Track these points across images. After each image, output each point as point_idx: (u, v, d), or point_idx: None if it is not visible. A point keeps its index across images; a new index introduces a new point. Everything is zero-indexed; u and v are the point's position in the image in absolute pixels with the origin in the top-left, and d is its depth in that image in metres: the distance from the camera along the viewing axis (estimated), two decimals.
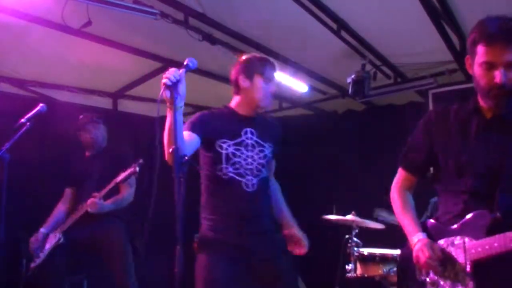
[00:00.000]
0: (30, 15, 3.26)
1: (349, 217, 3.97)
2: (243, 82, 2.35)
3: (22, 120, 3.00)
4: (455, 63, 4.21)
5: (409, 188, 2.06)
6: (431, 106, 4.70)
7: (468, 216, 1.77)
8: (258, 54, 2.51)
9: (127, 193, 3.44)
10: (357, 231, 3.99)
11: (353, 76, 4.27)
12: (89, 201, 3.22)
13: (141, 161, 3.13)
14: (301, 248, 2.31)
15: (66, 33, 3.45)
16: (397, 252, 3.76)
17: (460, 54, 3.95)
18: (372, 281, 3.66)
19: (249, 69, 2.36)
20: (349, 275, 3.87)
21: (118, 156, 3.50)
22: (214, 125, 2.29)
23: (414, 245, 1.85)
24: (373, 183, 4.91)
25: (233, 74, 2.41)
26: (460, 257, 1.75)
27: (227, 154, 2.25)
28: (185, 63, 1.97)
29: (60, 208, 3.61)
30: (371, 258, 3.78)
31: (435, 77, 4.52)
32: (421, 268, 1.84)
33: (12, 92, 4.53)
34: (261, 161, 2.32)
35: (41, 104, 3.08)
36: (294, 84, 4.62)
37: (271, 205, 2.44)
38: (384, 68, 4.52)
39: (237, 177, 2.25)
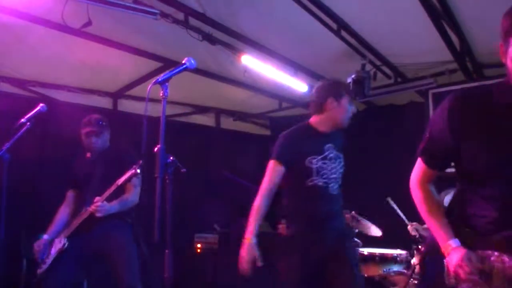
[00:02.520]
0: (30, 15, 3.26)
1: (349, 217, 3.96)
2: (331, 104, 2.66)
3: (22, 120, 3.00)
4: (455, 63, 4.21)
5: (430, 181, 1.85)
6: (431, 106, 4.70)
7: (509, 229, 1.55)
8: (336, 79, 2.84)
9: (132, 193, 3.39)
10: (357, 231, 3.99)
11: (353, 76, 4.26)
12: (93, 206, 3.18)
13: (141, 162, 3.08)
14: None
15: (66, 33, 3.45)
16: (397, 252, 3.77)
17: (460, 54, 3.95)
18: (372, 281, 3.66)
19: (338, 91, 2.67)
20: None
21: (119, 159, 3.45)
22: (300, 146, 2.64)
23: (448, 253, 1.65)
24: (373, 183, 4.92)
25: (318, 96, 2.70)
26: (496, 277, 1.54)
27: (317, 168, 2.61)
28: (183, 62, 2.00)
29: (63, 212, 3.53)
30: (371, 258, 3.77)
31: (435, 77, 4.52)
32: (451, 273, 1.65)
33: (12, 92, 4.53)
34: (341, 170, 2.76)
35: (41, 104, 3.07)
36: (294, 84, 4.61)
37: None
38: (384, 68, 4.52)
39: (324, 185, 2.64)
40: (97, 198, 3.18)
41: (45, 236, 3.39)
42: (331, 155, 2.70)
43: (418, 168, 1.85)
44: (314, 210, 2.65)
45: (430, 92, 4.72)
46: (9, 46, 3.77)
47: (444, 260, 1.69)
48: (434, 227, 1.75)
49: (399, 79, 4.71)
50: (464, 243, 1.65)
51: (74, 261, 3.31)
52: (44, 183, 4.27)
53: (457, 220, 1.71)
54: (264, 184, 2.60)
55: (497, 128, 1.55)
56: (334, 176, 2.70)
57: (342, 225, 2.83)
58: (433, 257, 1.76)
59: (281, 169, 2.61)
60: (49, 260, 3.30)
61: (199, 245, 5.25)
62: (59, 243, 3.32)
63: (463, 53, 3.94)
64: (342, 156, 2.79)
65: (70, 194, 3.61)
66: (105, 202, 3.18)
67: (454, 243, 1.66)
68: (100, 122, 3.47)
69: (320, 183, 2.63)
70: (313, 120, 2.74)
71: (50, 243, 3.38)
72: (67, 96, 4.88)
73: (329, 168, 2.68)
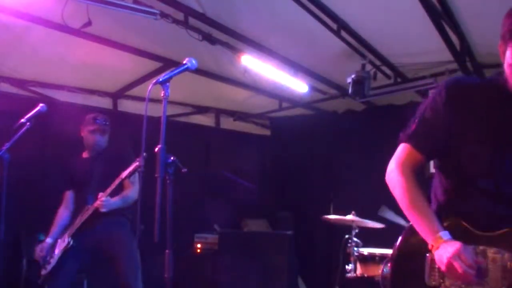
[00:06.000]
0: (30, 15, 3.27)
1: (349, 217, 3.97)
2: None
3: (22, 120, 3.00)
4: (455, 63, 4.21)
5: (415, 171, 1.65)
6: None
7: (507, 225, 1.47)
8: None
9: (132, 190, 3.38)
10: (357, 231, 3.99)
11: (353, 76, 4.26)
12: (98, 201, 3.13)
13: (144, 154, 3.01)
14: None
15: (66, 33, 3.45)
16: None
17: (460, 54, 3.94)
18: (372, 281, 3.66)
19: None
20: (349, 275, 3.87)
21: (119, 157, 3.43)
22: None
23: (438, 246, 1.50)
24: (373, 183, 4.91)
25: None
26: (494, 274, 1.43)
27: None
28: (184, 62, 1.99)
29: (63, 214, 3.50)
30: (371, 258, 3.78)
31: (435, 77, 4.52)
32: (435, 272, 1.52)
33: (12, 92, 4.53)
34: None
35: (41, 104, 3.08)
36: (294, 84, 4.61)
37: None
38: (384, 68, 4.51)
39: None
40: (101, 194, 3.16)
41: (48, 240, 3.36)
42: None
43: (402, 153, 1.67)
44: None
45: (430, 92, 4.71)
46: (9, 46, 3.77)
47: (427, 256, 1.55)
48: (419, 218, 1.57)
49: (399, 79, 4.71)
50: (458, 238, 1.51)
51: (77, 258, 3.30)
52: (44, 183, 4.27)
53: (450, 215, 1.60)
54: None
55: (488, 120, 1.52)
56: None
57: None
58: (408, 255, 1.62)
59: None
60: (53, 261, 3.28)
61: (199, 245, 5.25)
62: (63, 242, 3.29)
63: (463, 53, 3.94)
64: None
65: (68, 195, 3.57)
66: (108, 198, 3.16)
67: (444, 235, 1.50)
68: (106, 122, 3.50)
69: None
70: None
71: (53, 245, 3.36)
72: (67, 96, 4.88)
73: None
